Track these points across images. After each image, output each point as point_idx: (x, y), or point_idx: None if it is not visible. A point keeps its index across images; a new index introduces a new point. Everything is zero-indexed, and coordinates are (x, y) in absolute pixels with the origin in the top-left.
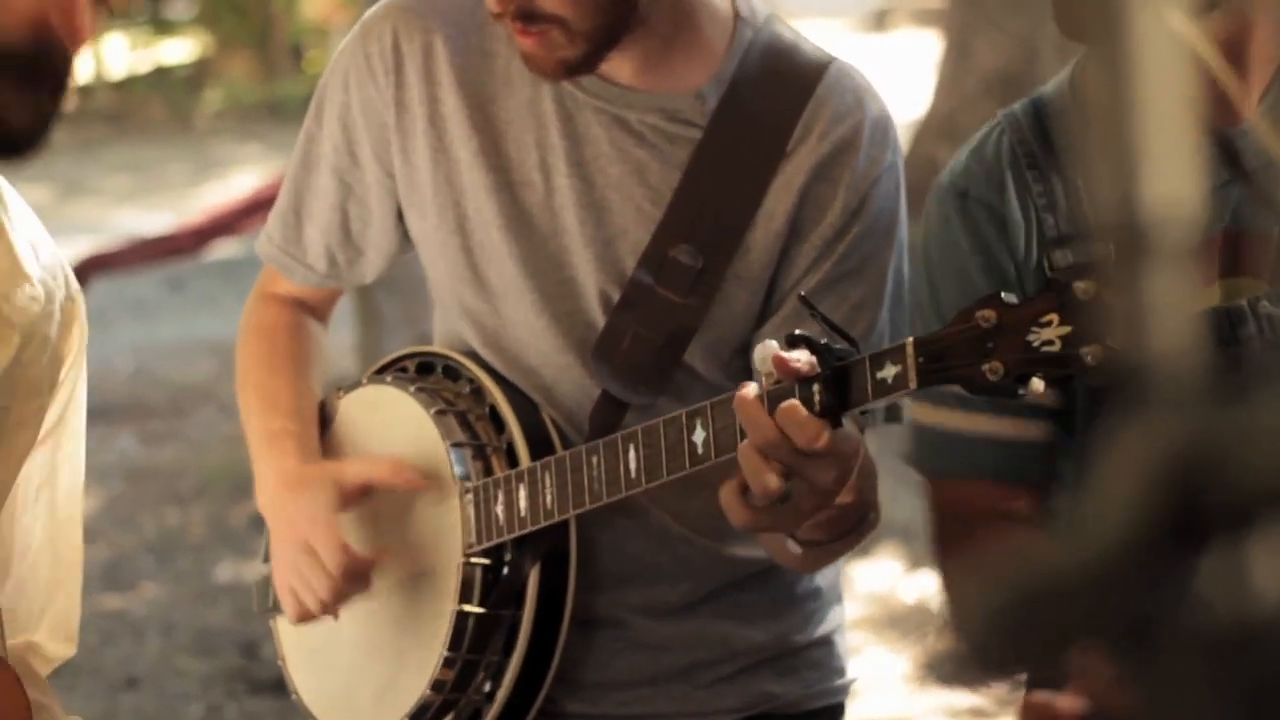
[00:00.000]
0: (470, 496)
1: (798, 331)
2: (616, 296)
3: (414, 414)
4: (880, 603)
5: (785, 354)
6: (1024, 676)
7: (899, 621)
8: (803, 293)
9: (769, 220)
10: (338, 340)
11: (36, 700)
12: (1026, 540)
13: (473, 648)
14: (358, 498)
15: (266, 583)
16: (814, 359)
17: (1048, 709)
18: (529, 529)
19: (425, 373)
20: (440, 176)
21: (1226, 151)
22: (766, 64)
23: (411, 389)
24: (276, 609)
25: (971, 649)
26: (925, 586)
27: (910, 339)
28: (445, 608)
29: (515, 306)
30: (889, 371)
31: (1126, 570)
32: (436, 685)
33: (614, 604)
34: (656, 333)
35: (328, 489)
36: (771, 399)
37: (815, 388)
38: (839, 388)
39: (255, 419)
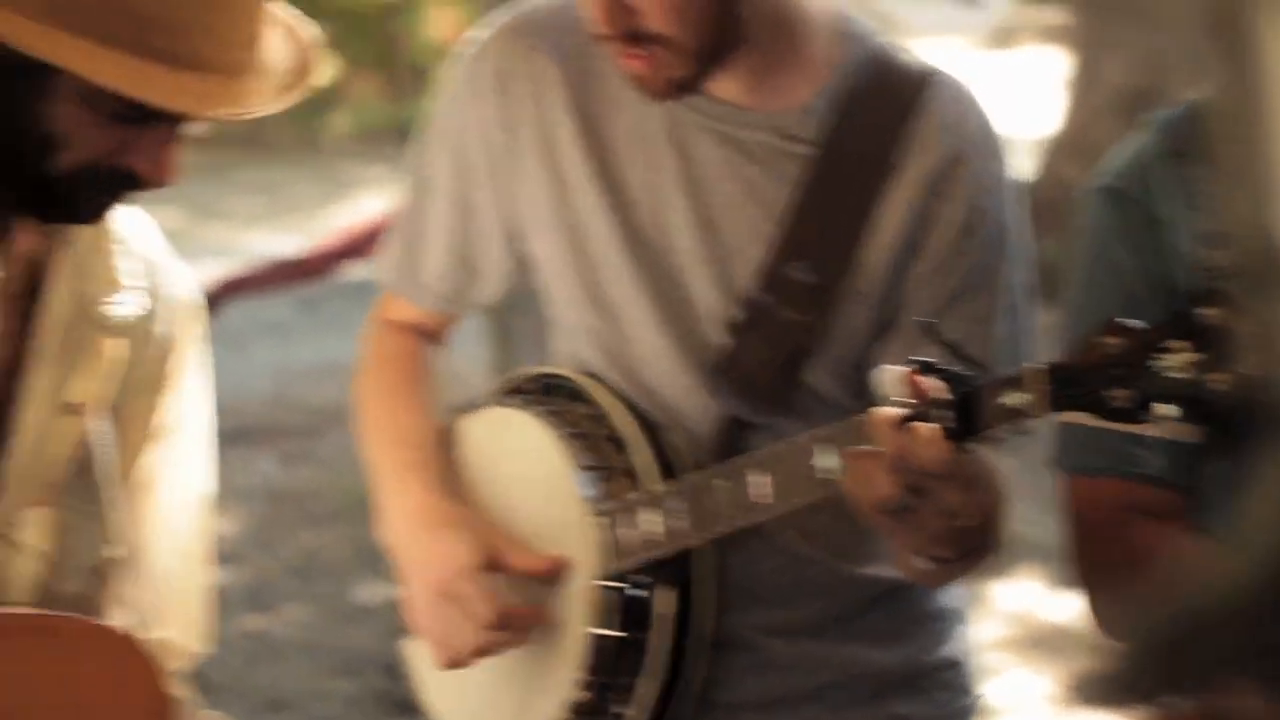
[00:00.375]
0: (599, 520)
1: (924, 359)
2: (734, 315)
3: (540, 437)
4: (1021, 623)
5: (914, 377)
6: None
7: (1041, 642)
8: (922, 317)
9: (882, 235)
10: (470, 359)
11: (172, 694)
12: (1174, 554)
13: (606, 670)
14: (493, 564)
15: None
16: (941, 384)
17: None
18: (658, 553)
19: (549, 394)
20: (554, 198)
21: None
22: (872, 78)
23: (536, 411)
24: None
25: (1122, 672)
26: (1067, 607)
27: (1035, 365)
28: (579, 631)
29: (635, 327)
30: (1015, 398)
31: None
32: (572, 708)
33: (744, 625)
34: (775, 351)
35: (472, 543)
36: (900, 421)
37: (943, 413)
38: (966, 413)
39: (380, 450)
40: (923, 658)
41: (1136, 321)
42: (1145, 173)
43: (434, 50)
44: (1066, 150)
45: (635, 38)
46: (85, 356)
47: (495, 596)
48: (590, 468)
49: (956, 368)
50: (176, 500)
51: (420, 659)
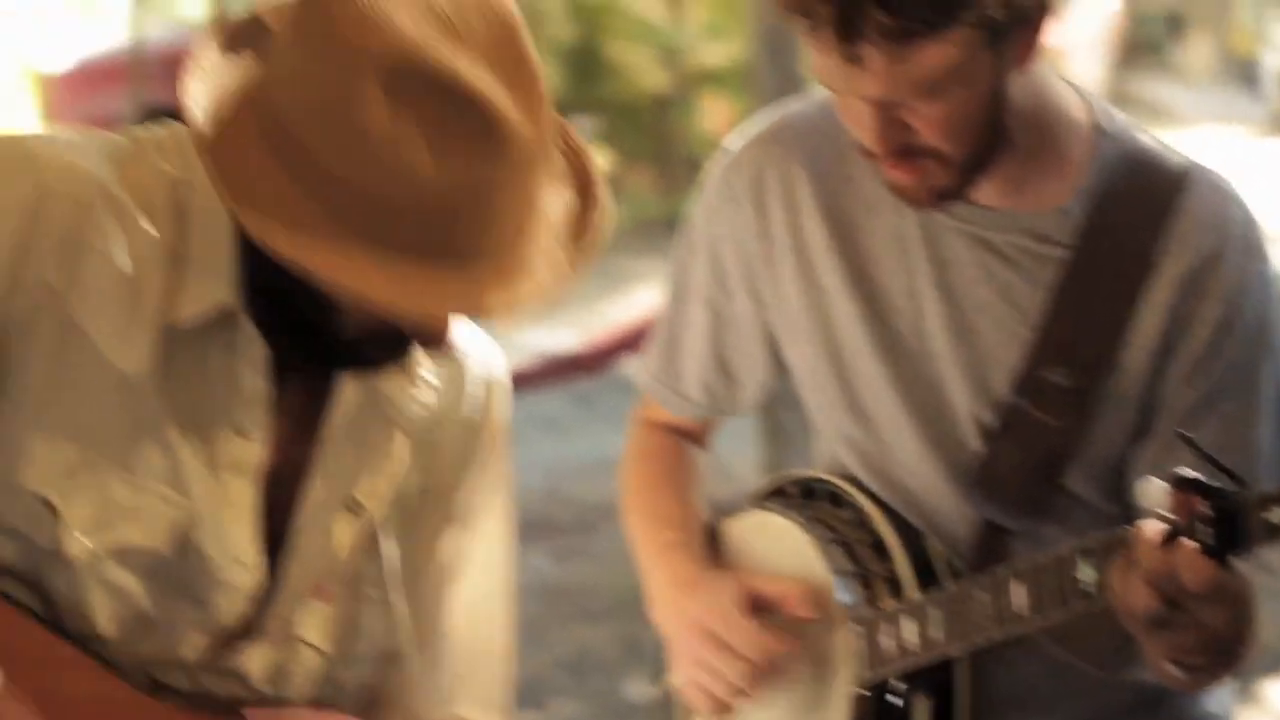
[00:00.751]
0: (858, 627)
1: (1187, 473)
2: (990, 420)
3: (799, 541)
4: None
5: (1177, 493)
6: None
7: None
8: (1179, 419)
9: (1140, 337)
10: (741, 457)
11: None
12: None
13: None
14: (755, 607)
15: (675, 695)
16: (1203, 499)
17: None
18: (915, 661)
19: (809, 497)
20: (809, 305)
21: None
22: (1127, 175)
23: (796, 516)
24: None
25: None
26: None
27: None
28: None
29: (891, 432)
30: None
31: None
32: None
33: None
34: (1032, 456)
35: (731, 587)
36: (1162, 540)
37: (1205, 529)
38: (1229, 529)
39: (643, 535)
40: None
41: None
42: None
43: (708, 143)
44: None
45: (906, 153)
46: (374, 454)
47: (755, 632)
48: (849, 573)
49: (1219, 483)
50: (481, 583)
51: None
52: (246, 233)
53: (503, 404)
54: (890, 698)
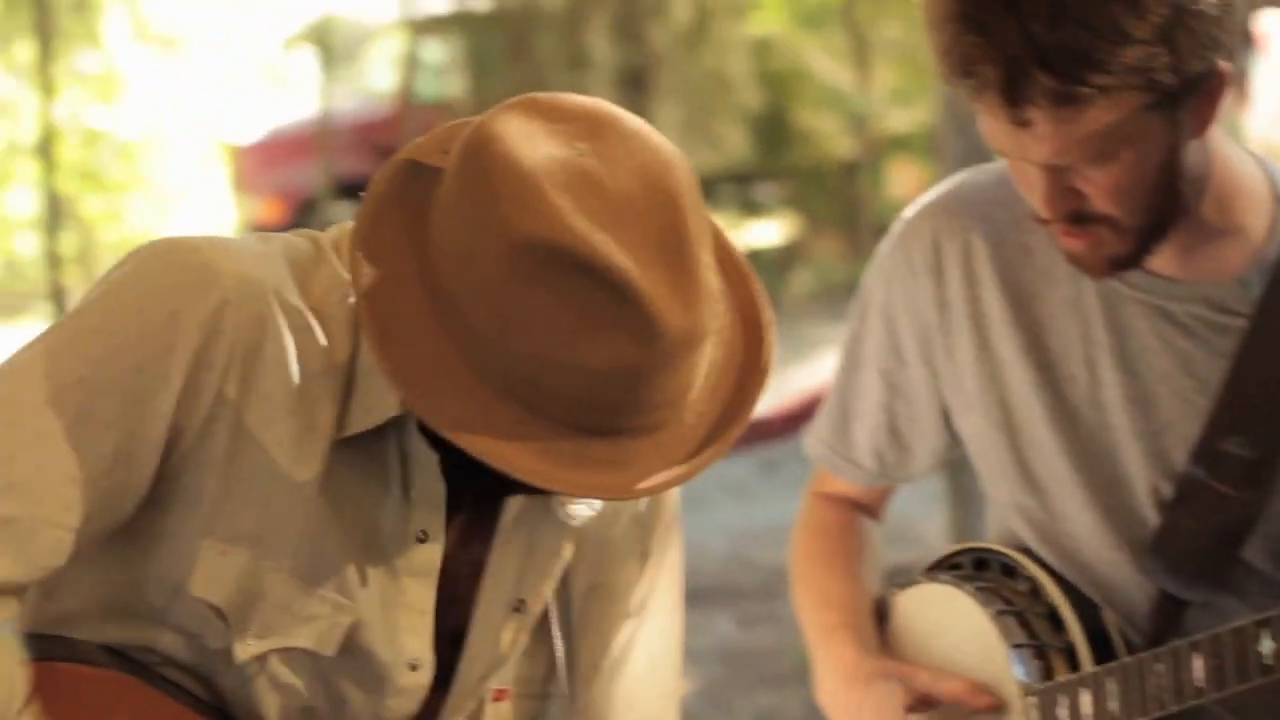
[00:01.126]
0: (1034, 700)
1: None
2: (1167, 491)
3: (972, 614)
4: None
5: None
6: None
7: None
8: None
9: None
10: (930, 522)
11: None
12: None
13: None
14: (924, 704)
15: None
16: None
17: None
18: None
19: (981, 569)
20: (984, 374)
21: None
22: None
23: (969, 588)
24: None
25: None
26: None
27: None
28: None
29: (1066, 502)
30: None
31: None
32: None
33: None
34: (1211, 527)
35: (894, 686)
36: None
37: None
38: None
39: (811, 614)
40: None
41: None
42: None
43: (895, 208)
44: None
45: (1078, 219)
46: (543, 554)
47: None
48: (1024, 646)
49: None
50: (646, 674)
51: None
52: None
53: (673, 494)
54: None
